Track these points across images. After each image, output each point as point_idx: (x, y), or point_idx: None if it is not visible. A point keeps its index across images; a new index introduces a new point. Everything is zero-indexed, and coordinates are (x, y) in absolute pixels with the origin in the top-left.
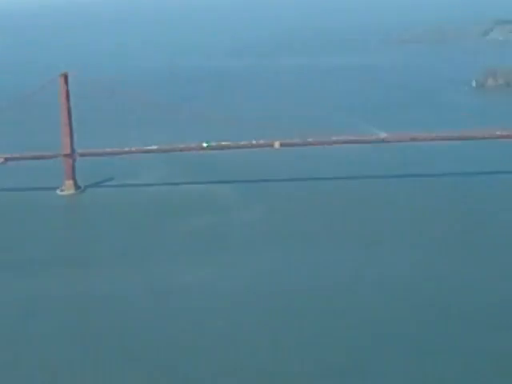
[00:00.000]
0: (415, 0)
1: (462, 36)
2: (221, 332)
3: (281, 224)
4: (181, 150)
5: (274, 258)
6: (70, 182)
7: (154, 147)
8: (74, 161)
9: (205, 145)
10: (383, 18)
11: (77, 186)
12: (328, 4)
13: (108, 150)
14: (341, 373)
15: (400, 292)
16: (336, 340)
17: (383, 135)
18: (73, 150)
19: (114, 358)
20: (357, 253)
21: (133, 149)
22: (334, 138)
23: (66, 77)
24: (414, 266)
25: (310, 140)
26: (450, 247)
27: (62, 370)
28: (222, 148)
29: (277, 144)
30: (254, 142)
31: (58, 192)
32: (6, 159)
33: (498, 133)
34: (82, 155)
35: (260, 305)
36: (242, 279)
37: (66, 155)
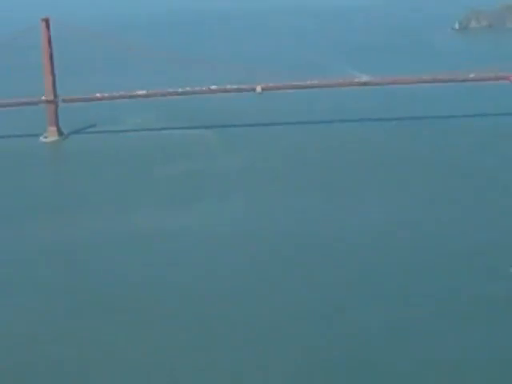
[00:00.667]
0: None
1: None
2: (200, 271)
3: (259, 170)
4: (162, 95)
5: (258, 204)
6: (53, 129)
7: (138, 92)
8: (56, 107)
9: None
10: None
11: (60, 133)
12: None
13: (91, 95)
14: (321, 309)
15: (378, 235)
16: (309, 276)
17: (365, 78)
18: (55, 96)
19: (102, 303)
20: (331, 198)
21: (116, 94)
22: (316, 82)
23: (47, 22)
24: (392, 211)
25: (293, 83)
26: (427, 192)
27: (49, 318)
28: (205, 92)
29: (259, 88)
30: (236, 86)
31: (42, 139)
32: None
33: (474, 75)
34: (65, 101)
35: (238, 245)
36: (220, 224)
37: (48, 101)
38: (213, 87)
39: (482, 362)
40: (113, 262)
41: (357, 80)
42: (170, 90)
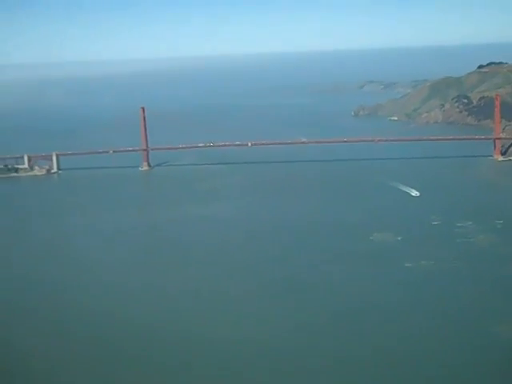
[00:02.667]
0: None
1: (347, 89)
2: (214, 240)
3: (249, 185)
4: (205, 147)
5: (246, 203)
6: (145, 163)
7: (193, 145)
8: (148, 152)
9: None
10: (301, 79)
11: (149, 165)
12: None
13: (166, 146)
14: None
15: (304, 219)
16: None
17: (304, 139)
18: (147, 147)
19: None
20: (284, 201)
21: (179, 146)
22: (279, 141)
23: (143, 109)
24: (311, 209)
25: (267, 141)
26: (334, 198)
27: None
28: (223, 146)
29: (249, 144)
30: (238, 142)
31: (140, 168)
32: (114, 151)
33: (359, 138)
34: (152, 149)
35: (238, 227)
36: (227, 214)
37: (143, 149)
38: (226, 142)
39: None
40: (168, 230)
41: (300, 140)
42: (204, 143)
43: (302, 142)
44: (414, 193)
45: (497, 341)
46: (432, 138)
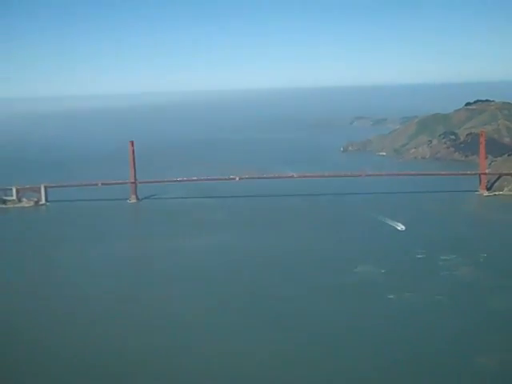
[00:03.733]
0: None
1: (337, 125)
2: (198, 273)
3: (235, 219)
4: (193, 181)
5: (233, 235)
6: (133, 196)
7: (180, 178)
8: (136, 186)
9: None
10: (291, 114)
11: (137, 198)
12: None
13: (154, 180)
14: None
15: (296, 250)
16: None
17: (293, 174)
18: (135, 180)
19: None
20: (269, 235)
21: (167, 179)
22: (267, 175)
23: (132, 142)
24: (297, 243)
25: (254, 175)
26: (320, 231)
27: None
28: (210, 180)
29: (237, 178)
30: (225, 176)
31: (128, 201)
32: (102, 184)
33: (349, 173)
34: (141, 182)
35: (223, 260)
36: (215, 244)
37: (132, 182)
38: (214, 177)
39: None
40: (160, 256)
41: (288, 174)
42: (192, 178)
43: (290, 177)
44: (400, 227)
45: (477, 371)
46: (418, 173)
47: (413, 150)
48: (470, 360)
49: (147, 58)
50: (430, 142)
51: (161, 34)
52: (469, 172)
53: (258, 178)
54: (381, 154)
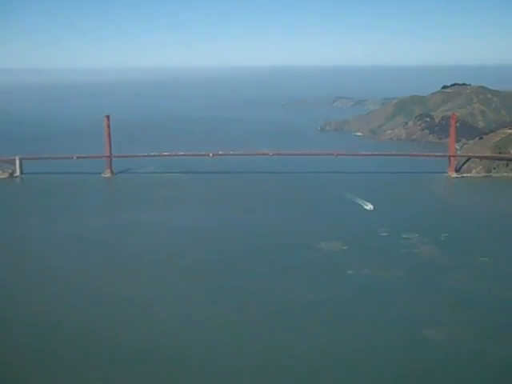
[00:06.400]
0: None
1: (319, 104)
2: (164, 245)
3: (207, 194)
4: (168, 156)
5: (200, 211)
6: (108, 170)
7: (156, 153)
8: (111, 159)
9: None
10: (273, 93)
11: (112, 172)
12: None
13: (129, 154)
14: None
15: (262, 226)
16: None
17: (269, 151)
18: (111, 154)
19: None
20: (238, 210)
21: (142, 154)
22: (243, 151)
23: (108, 117)
24: (265, 219)
25: (230, 152)
26: (289, 209)
27: None
28: (184, 156)
29: (211, 154)
30: (198, 152)
31: (102, 175)
32: (78, 157)
33: (322, 151)
34: (116, 157)
35: (190, 233)
36: (181, 220)
37: (107, 156)
38: (188, 152)
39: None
40: (135, 235)
41: (262, 152)
42: (167, 153)
43: (265, 154)
44: (369, 206)
45: (421, 343)
46: (389, 153)
47: (389, 131)
48: (417, 332)
49: (141, 32)
50: (406, 123)
51: (150, 8)
52: (438, 154)
53: (232, 154)
54: (357, 134)
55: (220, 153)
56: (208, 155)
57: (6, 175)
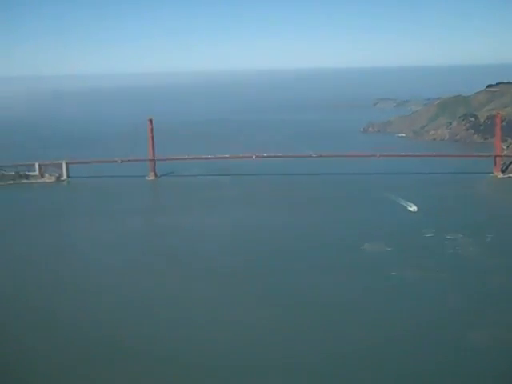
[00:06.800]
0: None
1: (361, 106)
2: (211, 248)
3: (250, 197)
4: (211, 158)
5: (245, 214)
6: (152, 173)
7: (198, 156)
8: (155, 163)
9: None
10: (315, 95)
11: (156, 175)
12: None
13: (173, 157)
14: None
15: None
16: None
17: (312, 153)
18: (154, 157)
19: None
20: (283, 213)
21: (185, 157)
22: (286, 154)
23: (151, 120)
24: (310, 221)
25: (270, 154)
26: (334, 210)
27: None
28: (227, 158)
29: (253, 156)
30: (241, 155)
31: (146, 178)
32: (122, 161)
33: (367, 153)
34: (159, 160)
35: (236, 237)
36: (227, 222)
37: (150, 160)
38: (231, 155)
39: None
40: (180, 234)
41: (305, 154)
42: (210, 156)
43: (308, 156)
44: (412, 207)
45: (469, 347)
46: (432, 154)
47: (432, 132)
48: (462, 335)
49: (173, 36)
50: (450, 123)
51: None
52: (483, 154)
53: (275, 156)
54: (400, 135)
55: (263, 155)
56: (251, 157)
57: (53, 179)
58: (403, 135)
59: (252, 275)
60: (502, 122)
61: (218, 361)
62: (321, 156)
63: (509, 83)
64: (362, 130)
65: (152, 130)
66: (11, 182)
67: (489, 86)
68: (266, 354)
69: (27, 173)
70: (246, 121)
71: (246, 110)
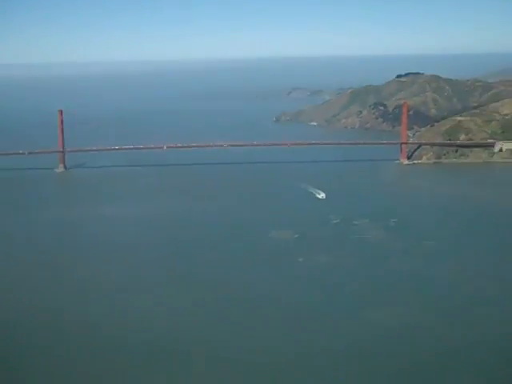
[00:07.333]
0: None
1: (275, 95)
2: (117, 237)
3: (161, 187)
4: (120, 150)
5: (154, 204)
6: (61, 165)
7: (108, 148)
8: (64, 154)
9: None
10: (230, 85)
11: (65, 167)
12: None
13: (83, 148)
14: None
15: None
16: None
17: (222, 143)
18: (64, 149)
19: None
20: (192, 202)
21: (95, 148)
22: (198, 144)
23: (61, 111)
24: (218, 209)
25: (185, 144)
26: (243, 198)
27: None
28: (139, 149)
29: (164, 147)
30: (152, 145)
31: (55, 170)
32: (29, 153)
33: (276, 142)
34: (69, 151)
35: (144, 222)
36: (134, 213)
37: (59, 151)
38: (141, 145)
39: None
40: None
41: (216, 143)
42: (120, 146)
43: (220, 146)
44: (321, 195)
45: (367, 324)
46: (342, 142)
47: (343, 121)
48: (362, 313)
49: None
50: (360, 112)
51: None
52: (390, 142)
53: (186, 146)
54: (312, 123)
55: (175, 145)
56: (162, 148)
57: None
58: (315, 124)
59: (160, 263)
60: (409, 110)
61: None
62: (232, 145)
63: (417, 73)
64: (274, 119)
65: (62, 121)
66: None
67: (398, 76)
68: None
69: None
70: (161, 111)
71: (161, 100)
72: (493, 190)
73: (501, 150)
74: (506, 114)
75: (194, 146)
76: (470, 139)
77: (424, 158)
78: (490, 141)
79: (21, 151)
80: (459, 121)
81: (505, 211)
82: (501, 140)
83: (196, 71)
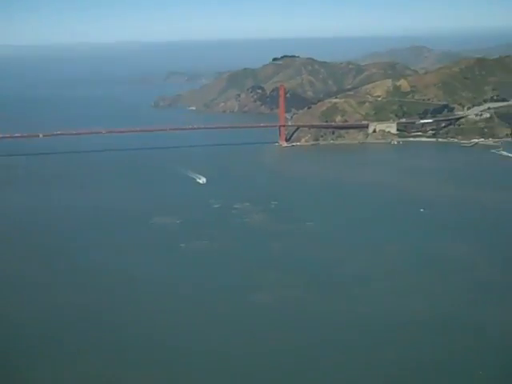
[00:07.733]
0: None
1: (152, 80)
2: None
3: (36, 176)
4: None
5: (28, 194)
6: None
7: None
8: None
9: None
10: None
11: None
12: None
13: None
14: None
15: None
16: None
17: (101, 129)
18: None
19: None
20: (70, 190)
21: None
22: (76, 131)
23: None
24: (97, 197)
25: (62, 132)
26: (122, 185)
27: None
28: (13, 138)
29: (41, 135)
30: (27, 134)
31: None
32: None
33: (154, 128)
34: None
35: (18, 212)
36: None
37: None
38: (16, 134)
39: None
40: None
41: (95, 130)
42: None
43: (98, 132)
44: (202, 180)
45: (251, 306)
46: (221, 126)
47: (222, 104)
48: (242, 295)
49: None
50: (239, 96)
51: None
52: (269, 124)
53: (63, 134)
54: (191, 108)
55: (50, 133)
56: (38, 136)
57: None
58: (194, 108)
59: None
60: (286, 93)
61: None
62: (111, 132)
63: (293, 56)
64: (152, 104)
65: None
66: None
67: (275, 60)
68: None
69: None
70: (36, 98)
71: (36, 86)
72: (369, 169)
73: (374, 131)
74: (378, 96)
75: (71, 134)
76: (346, 121)
77: (302, 140)
78: (364, 122)
79: None
80: (335, 103)
81: (375, 190)
82: (374, 121)
83: (62, 57)
